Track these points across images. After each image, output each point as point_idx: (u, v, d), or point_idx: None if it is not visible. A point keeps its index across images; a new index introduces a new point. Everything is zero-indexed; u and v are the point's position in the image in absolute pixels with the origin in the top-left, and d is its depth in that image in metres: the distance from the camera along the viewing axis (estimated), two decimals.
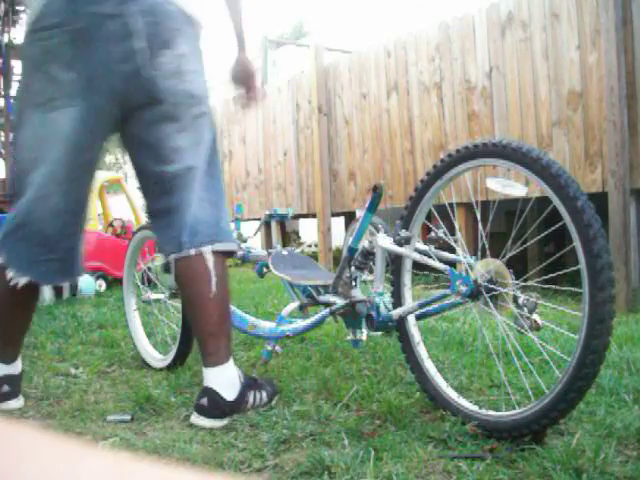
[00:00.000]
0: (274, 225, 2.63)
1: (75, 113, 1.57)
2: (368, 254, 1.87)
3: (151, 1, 1.56)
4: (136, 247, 2.50)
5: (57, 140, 1.59)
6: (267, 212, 2.57)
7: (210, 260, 1.66)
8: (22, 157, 1.65)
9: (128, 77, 1.56)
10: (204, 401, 1.66)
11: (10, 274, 1.66)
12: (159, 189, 1.68)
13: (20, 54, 1.65)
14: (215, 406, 1.65)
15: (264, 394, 1.75)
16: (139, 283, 2.53)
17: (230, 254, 1.78)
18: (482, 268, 1.53)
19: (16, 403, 1.82)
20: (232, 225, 1.97)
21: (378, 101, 4.92)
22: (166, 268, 2.03)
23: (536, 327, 1.44)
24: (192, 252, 1.66)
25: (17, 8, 7.43)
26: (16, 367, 1.85)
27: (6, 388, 1.80)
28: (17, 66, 5.60)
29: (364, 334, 1.81)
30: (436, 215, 1.76)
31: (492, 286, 1.50)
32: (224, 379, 1.68)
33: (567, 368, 1.37)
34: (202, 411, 1.66)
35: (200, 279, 1.66)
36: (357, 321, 1.84)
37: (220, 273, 1.68)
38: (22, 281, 1.67)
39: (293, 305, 2.03)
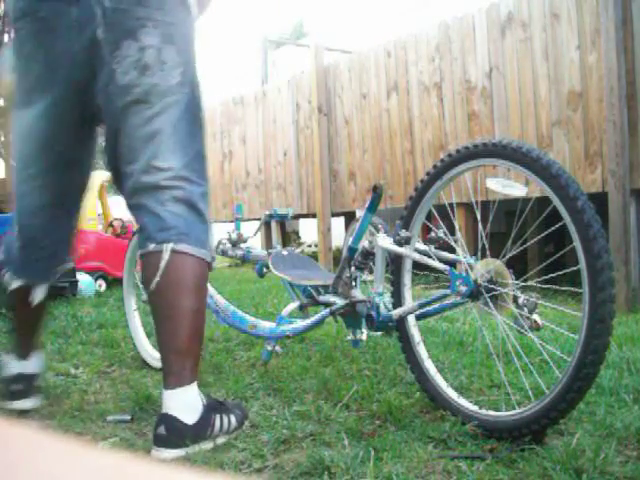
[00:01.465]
0: (274, 225, 2.63)
1: (40, 107, 1.52)
2: (368, 254, 1.87)
3: None
4: (136, 247, 2.49)
5: (27, 136, 1.57)
6: (267, 212, 2.57)
7: (165, 259, 1.45)
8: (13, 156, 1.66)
9: (90, 69, 1.46)
10: (162, 430, 1.43)
11: (5, 277, 1.69)
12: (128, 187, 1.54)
13: None
14: (175, 434, 1.42)
15: (233, 419, 1.54)
16: (139, 283, 2.53)
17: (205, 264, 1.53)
18: (482, 268, 1.53)
19: (25, 403, 1.76)
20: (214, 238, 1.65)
21: (378, 101, 4.92)
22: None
23: (536, 327, 1.44)
24: (151, 247, 1.46)
25: None
26: (31, 366, 1.81)
27: (16, 387, 1.76)
28: None
29: (364, 334, 1.81)
30: (436, 215, 1.76)
31: (492, 286, 1.50)
32: (183, 403, 1.46)
33: (567, 368, 1.37)
34: (161, 442, 1.42)
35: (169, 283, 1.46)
36: (357, 321, 1.84)
37: (181, 278, 1.46)
38: (13, 285, 1.69)
39: (293, 305, 2.03)
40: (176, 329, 1.46)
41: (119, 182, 1.59)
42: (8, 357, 1.81)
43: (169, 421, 1.43)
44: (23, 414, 1.80)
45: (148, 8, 1.42)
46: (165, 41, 1.45)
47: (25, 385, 1.78)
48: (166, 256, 1.45)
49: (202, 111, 1.58)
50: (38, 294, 1.72)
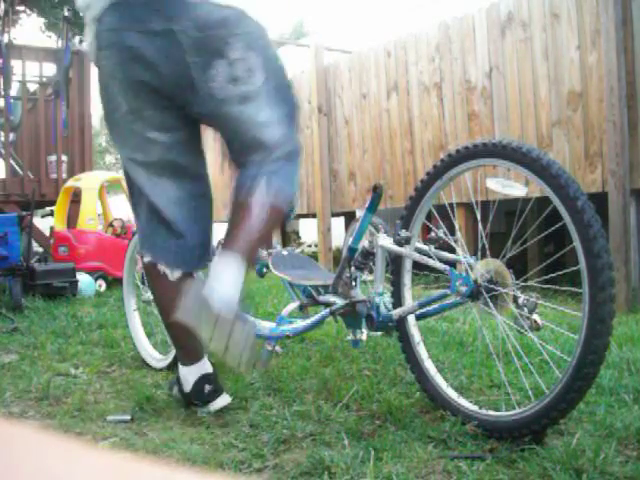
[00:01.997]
0: None
1: (147, 126, 1.67)
2: (368, 254, 1.87)
3: (201, 11, 1.55)
4: (136, 247, 2.50)
5: (142, 153, 1.72)
6: None
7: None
8: (134, 171, 1.75)
9: (186, 90, 1.61)
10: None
11: (162, 268, 1.74)
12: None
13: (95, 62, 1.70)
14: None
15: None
16: (139, 283, 2.53)
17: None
18: (482, 268, 1.53)
19: (223, 401, 1.78)
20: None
21: (378, 101, 4.92)
22: None
23: (536, 327, 1.44)
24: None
25: (17, 8, 7.43)
26: (207, 366, 1.82)
27: (208, 387, 1.77)
28: (17, 66, 5.59)
29: (364, 334, 1.81)
30: (436, 215, 1.76)
31: (492, 286, 1.50)
32: (226, 271, 1.51)
33: (567, 368, 1.37)
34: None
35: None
36: (357, 321, 1.84)
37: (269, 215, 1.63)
38: (175, 274, 1.73)
39: (293, 305, 2.03)
40: (246, 223, 1.59)
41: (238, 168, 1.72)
42: (184, 365, 1.82)
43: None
44: (21, 415, 1.79)
45: (229, 27, 1.59)
46: (247, 49, 1.62)
47: (213, 384, 1.78)
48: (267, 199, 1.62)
49: (290, 83, 1.79)
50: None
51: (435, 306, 1.71)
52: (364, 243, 1.88)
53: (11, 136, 5.78)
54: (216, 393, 1.78)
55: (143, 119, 1.67)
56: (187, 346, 1.80)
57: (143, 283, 2.52)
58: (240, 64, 1.61)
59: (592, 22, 3.45)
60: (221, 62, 1.58)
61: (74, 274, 4.20)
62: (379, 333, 2.32)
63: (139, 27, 1.54)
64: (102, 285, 4.65)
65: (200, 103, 1.63)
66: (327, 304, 1.91)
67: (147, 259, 1.77)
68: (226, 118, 1.65)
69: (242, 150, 1.68)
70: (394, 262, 1.81)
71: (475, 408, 1.57)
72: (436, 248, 1.76)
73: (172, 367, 2.19)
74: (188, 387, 1.79)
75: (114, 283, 4.62)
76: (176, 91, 1.62)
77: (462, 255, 1.63)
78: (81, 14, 1.66)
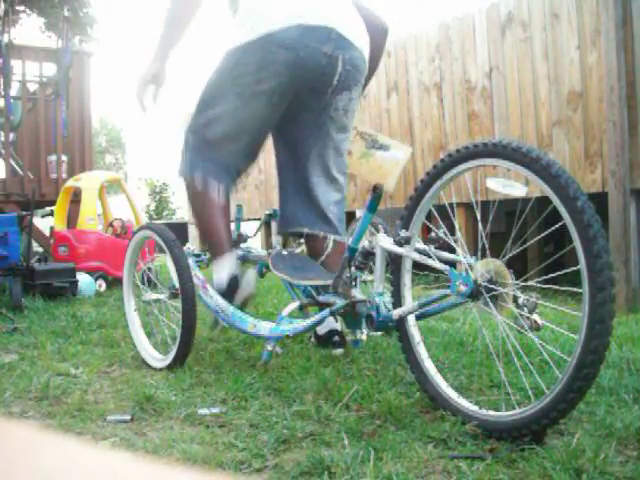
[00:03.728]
0: (274, 225, 2.63)
1: (267, 105, 2.06)
2: (368, 254, 1.87)
3: (354, 54, 2.06)
4: (136, 247, 2.50)
5: (252, 118, 2.10)
6: (267, 212, 2.57)
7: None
8: (217, 127, 2.10)
9: (319, 97, 2.10)
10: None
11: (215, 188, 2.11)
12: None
13: (238, 48, 2.03)
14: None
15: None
16: (139, 283, 2.53)
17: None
18: (482, 268, 1.53)
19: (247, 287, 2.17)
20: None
21: (378, 101, 4.92)
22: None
23: (536, 327, 1.44)
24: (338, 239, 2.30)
25: (17, 8, 7.42)
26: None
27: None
28: (17, 66, 5.58)
29: (364, 334, 1.81)
30: (436, 215, 1.76)
31: (492, 286, 1.50)
32: None
33: (567, 368, 1.37)
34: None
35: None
36: (357, 321, 1.84)
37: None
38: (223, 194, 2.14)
39: (293, 305, 2.03)
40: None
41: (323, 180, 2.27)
42: (222, 255, 2.13)
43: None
44: (21, 415, 1.79)
45: (361, 73, 2.14)
46: (358, 96, 2.20)
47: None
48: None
49: None
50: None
51: (435, 306, 1.71)
52: (364, 243, 1.88)
53: (11, 136, 5.77)
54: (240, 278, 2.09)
55: (258, 101, 2.05)
56: (224, 236, 2.13)
57: (143, 283, 2.52)
58: (354, 102, 2.19)
59: (592, 22, 3.45)
60: (347, 94, 2.13)
61: (74, 274, 4.20)
62: (379, 333, 2.33)
63: (317, 45, 1.98)
64: (102, 285, 4.65)
65: (317, 112, 2.13)
66: (327, 304, 1.91)
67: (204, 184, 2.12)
68: (326, 135, 2.19)
69: (337, 167, 2.24)
70: (394, 262, 1.81)
71: (475, 408, 1.57)
72: (436, 248, 1.75)
73: (172, 367, 2.19)
74: (224, 281, 2.10)
75: (114, 283, 4.62)
76: (314, 93, 2.08)
77: (462, 255, 1.63)
78: (240, 17, 2.06)
